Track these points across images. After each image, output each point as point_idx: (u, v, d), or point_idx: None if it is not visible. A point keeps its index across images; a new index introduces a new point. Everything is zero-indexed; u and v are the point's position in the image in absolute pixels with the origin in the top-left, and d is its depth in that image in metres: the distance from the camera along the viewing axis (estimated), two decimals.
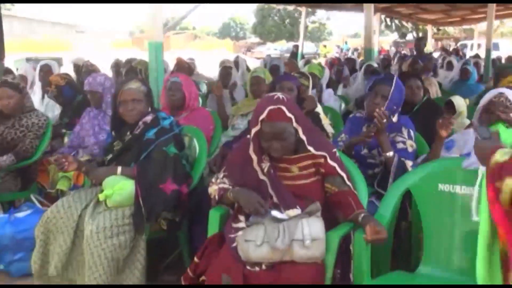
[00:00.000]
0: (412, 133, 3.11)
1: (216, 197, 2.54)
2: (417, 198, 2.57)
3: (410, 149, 3.03)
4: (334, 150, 2.55)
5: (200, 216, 2.96)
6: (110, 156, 3.12)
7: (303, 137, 2.43)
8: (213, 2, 10.15)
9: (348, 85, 6.76)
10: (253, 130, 2.41)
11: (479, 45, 23.39)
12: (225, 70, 6.30)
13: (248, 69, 9.82)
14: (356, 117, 3.38)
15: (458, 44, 30.25)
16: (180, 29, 51.04)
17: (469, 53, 21.35)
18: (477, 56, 13.65)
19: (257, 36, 50.78)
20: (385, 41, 39.76)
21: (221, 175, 2.60)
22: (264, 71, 4.77)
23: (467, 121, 4.41)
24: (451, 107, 4.39)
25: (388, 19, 24.98)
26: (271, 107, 2.36)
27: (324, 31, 53.96)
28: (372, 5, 6.76)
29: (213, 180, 2.64)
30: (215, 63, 11.64)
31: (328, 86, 6.05)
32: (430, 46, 19.53)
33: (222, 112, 4.95)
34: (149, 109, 3.13)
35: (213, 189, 2.58)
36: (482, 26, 26.41)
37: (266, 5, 42.41)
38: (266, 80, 4.64)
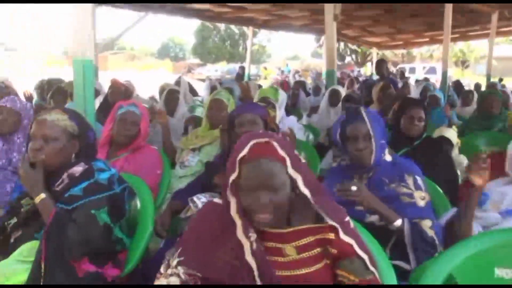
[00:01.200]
0: (419, 180, 2.32)
1: None
2: None
3: (421, 203, 2.23)
4: (348, 218, 1.72)
5: None
6: (14, 220, 2.13)
7: (306, 192, 1.61)
8: None
9: (313, 112, 5.98)
10: (231, 178, 1.59)
11: (423, 68, 23.76)
12: (171, 95, 5.28)
13: (192, 91, 8.93)
14: (341, 166, 2.58)
15: (397, 68, 30.72)
16: (118, 49, 49.50)
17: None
18: (426, 79, 13.38)
19: (197, 57, 49.97)
20: (321, 63, 39.91)
21: (174, 261, 1.69)
22: (228, 96, 3.88)
23: (463, 158, 3.72)
24: (444, 142, 3.65)
25: None
26: (255, 140, 1.59)
27: (263, 53, 53.90)
28: (335, 25, 6.10)
29: (162, 270, 1.72)
30: (154, 84, 10.74)
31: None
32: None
33: (169, 146, 4.02)
34: (77, 157, 2.16)
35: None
36: (421, 50, 26.98)
37: (208, 25, 41.81)
38: (229, 107, 3.77)
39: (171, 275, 1.66)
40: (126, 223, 2.11)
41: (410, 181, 2.27)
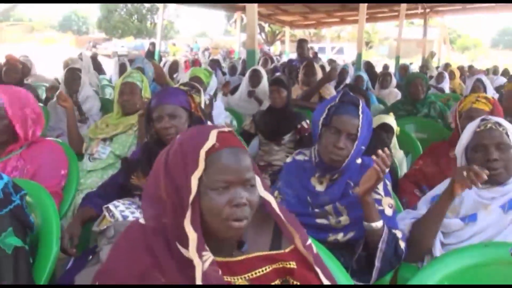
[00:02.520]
0: (389, 185, 2.05)
1: None
2: None
3: (389, 211, 1.95)
4: (310, 241, 1.40)
5: None
6: None
7: (268, 197, 1.33)
8: None
9: (231, 93, 5.61)
10: (193, 177, 1.19)
11: (333, 48, 24.15)
12: (72, 74, 4.51)
13: (99, 69, 8.23)
14: (297, 162, 2.20)
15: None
16: (14, 20, 45.93)
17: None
18: (332, 61, 13.31)
19: (101, 31, 47.55)
20: (231, 41, 39.37)
21: None
22: (141, 78, 3.41)
23: (399, 153, 3.52)
24: (386, 130, 3.38)
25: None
26: (217, 130, 1.26)
27: (171, 29, 52.47)
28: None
29: None
30: (56, 59, 9.88)
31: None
32: (287, 48, 19.36)
33: (75, 135, 3.49)
34: None
35: None
36: (330, 30, 27.45)
37: None
38: (143, 90, 3.31)
39: None
40: (29, 243, 1.65)
41: (380, 185, 1.98)
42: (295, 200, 2.04)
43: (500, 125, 1.97)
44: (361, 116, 1.97)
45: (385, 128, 3.26)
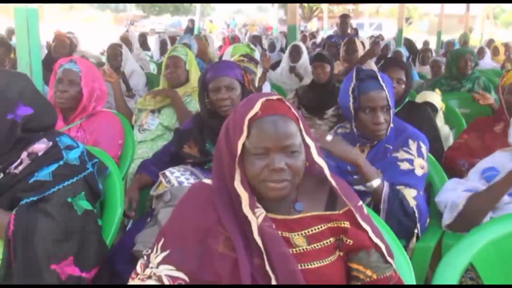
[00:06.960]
0: (424, 148, 2.11)
1: None
2: (487, 280, 1.57)
3: (419, 172, 2.04)
4: (361, 203, 1.47)
5: None
6: None
7: (321, 162, 1.39)
8: None
9: (273, 69, 5.66)
10: (239, 142, 1.29)
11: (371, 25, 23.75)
12: (114, 50, 4.79)
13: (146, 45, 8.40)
14: (338, 135, 2.29)
15: None
16: None
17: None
18: (380, 36, 13.10)
19: (139, 9, 47.90)
20: (266, 17, 38.98)
21: (157, 257, 1.39)
22: (185, 52, 3.51)
23: (447, 128, 3.52)
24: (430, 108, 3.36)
25: None
26: (265, 98, 1.32)
27: (207, 6, 52.35)
28: None
29: (139, 269, 1.43)
30: (97, 37, 10.13)
31: None
32: (326, 24, 19.16)
33: (122, 108, 3.62)
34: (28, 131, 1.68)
35: None
36: (369, 6, 26.95)
37: None
38: (187, 63, 3.42)
39: (149, 277, 1.37)
40: (99, 207, 1.78)
41: (413, 146, 2.08)
42: (335, 170, 2.12)
43: None
44: (383, 85, 2.05)
45: (428, 105, 3.25)
